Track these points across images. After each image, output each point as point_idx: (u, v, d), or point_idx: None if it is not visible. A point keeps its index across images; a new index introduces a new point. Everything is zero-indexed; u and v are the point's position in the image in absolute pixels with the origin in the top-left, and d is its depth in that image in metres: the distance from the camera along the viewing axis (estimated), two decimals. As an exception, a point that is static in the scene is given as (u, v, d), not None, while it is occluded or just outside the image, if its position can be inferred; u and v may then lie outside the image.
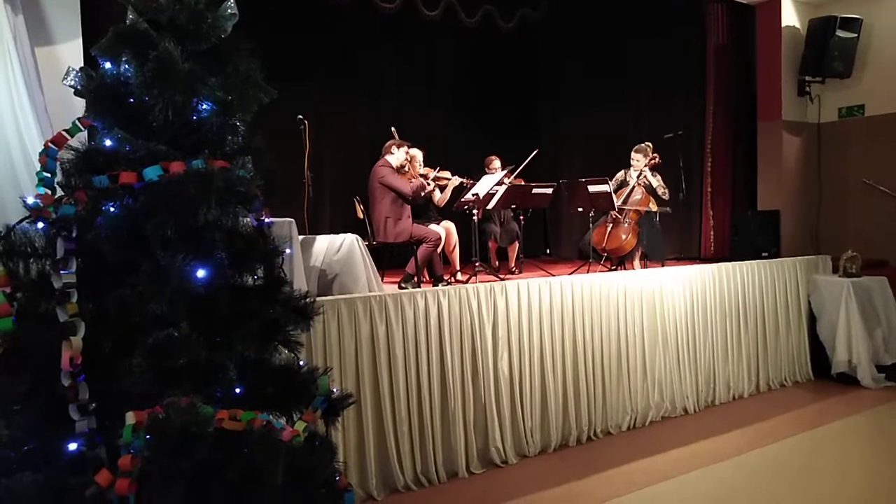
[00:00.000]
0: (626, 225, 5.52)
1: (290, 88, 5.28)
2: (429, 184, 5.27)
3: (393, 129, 5.53)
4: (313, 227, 5.17)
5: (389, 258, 5.33)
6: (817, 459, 4.03)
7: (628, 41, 7.34)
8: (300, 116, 5.09)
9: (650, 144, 5.77)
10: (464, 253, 5.62)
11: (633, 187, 5.60)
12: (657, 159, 5.65)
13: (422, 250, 4.85)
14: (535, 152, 5.69)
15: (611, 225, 5.60)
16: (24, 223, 1.78)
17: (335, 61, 7.01)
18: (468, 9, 6.84)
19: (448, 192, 5.51)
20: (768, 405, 5.13)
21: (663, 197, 5.63)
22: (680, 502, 3.47)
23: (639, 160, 5.68)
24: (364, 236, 4.69)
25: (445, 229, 5.37)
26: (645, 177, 5.60)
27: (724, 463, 3.95)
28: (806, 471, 3.83)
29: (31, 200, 1.78)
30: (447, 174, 5.51)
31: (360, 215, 5.29)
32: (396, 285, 4.66)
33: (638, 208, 5.52)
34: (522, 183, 5.74)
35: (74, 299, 1.73)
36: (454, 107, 7.82)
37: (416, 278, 4.76)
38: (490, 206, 5.25)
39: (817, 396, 5.38)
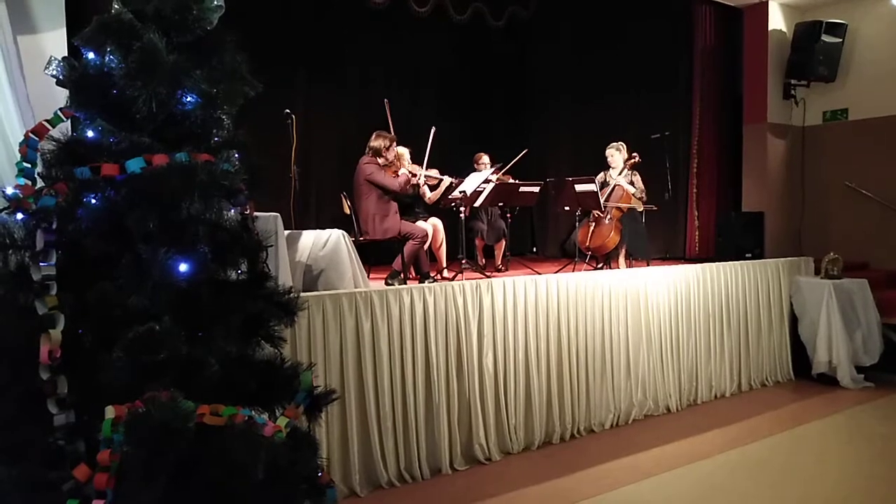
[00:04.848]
0: (609, 222, 5.55)
1: (278, 82, 5.30)
2: (417, 182, 5.25)
3: (385, 101, 5.45)
4: (299, 222, 5.14)
5: (376, 254, 5.31)
6: (797, 458, 4.08)
7: (617, 41, 7.37)
8: (287, 110, 5.06)
9: (623, 144, 5.82)
10: (450, 250, 5.62)
11: (614, 186, 5.64)
12: (636, 158, 5.68)
13: (408, 247, 4.84)
14: (524, 152, 5.72)
15: (593, 224, 5.63)
16: (2, 214, 1.75)
17: (324, 56, 6.98)
18: (458, 5, 6.83)
19: (440, 191, 5.49)
20: (749, 404, 5.19)
21: (641, 198, 5.68)
22: (661, 500, 3.50)
23: (615, 156, 5.73)
24: (350, 232, 4.67)
25: (432, 226, 5.36)
26: (627, 176, 5.65)
27: (705, 461, 3.99)
28: (785, 469, 3.88)
29: (10, 191, 1.75)
30: (435, 172, 5.49)
31: (347, 211, 5.27)
32: (382, 282, 4.66)
33: (619, 205, 5.56)
34: (510, 181, 5.75)
35: (54, 292, 1.70)
36: (443, 103, 7.80)
37: (402, 275, 4.76)
38: (477, 203, 5.25)
39: (797, 396, 5.45)
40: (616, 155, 5.75)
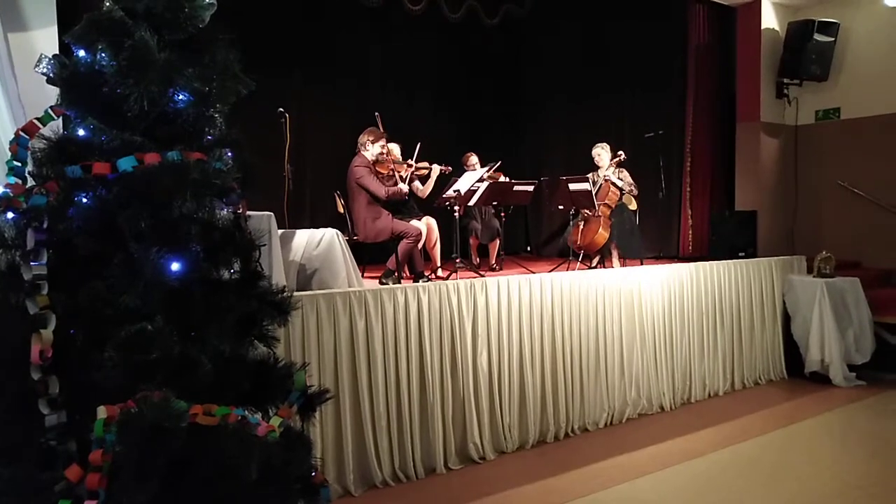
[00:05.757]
0: (598, 219, 5.57)
1: (272, 80, 5.26)
2: (404, 177, 5.24)
3: (377, 114, 5.47)
4: (293, 221, 5.12)
5: (370, 253, 5.30)
6: (789, 456, 4.10)
7: (612, 40, 7.39)
8: (281, 109, 5.05)
9: (607, 144, 5.88)
10: (445, 249, 5.62)
11: (601, 184, 5.67)
12: (622, 156, 5.72)
13: (402, 246, 4.84)
14: (498, 163, 5.80)
15: (583, 222, 5.66)
16: (-7, 213, 1.74)
17: (318, 54, 6.96)
18: (451, 4, 6.83)
19: (431, 182, 5.48)
20: (743, 403, 5.21)
21: (631, 192, 5.71)
22: (655, 498, 3.51)
23: (601, 156, 5.78)
24: (344, 231, 4.66)
25: (426, 225, 5.36)
26: (615, 174, 5.69)
27: (698, 459, 4.00)
28: (778, 467, 3.89)
29: (0, 190, 1.74)
30: (425, 164, 5.48)
31: (341, 210, 5.26)
32: (377, 281, 4.65)
33: (606, 202, 5.59)
34: (503, 179, 5.76)
35: (45, 291, 1.69)
36: (437, 101, 7.81)
37: (396, 274, 4.75)
38: (471, 202, 5.25)
39: (790, 394, 5.48)
40: (603, 154, 5.81)
